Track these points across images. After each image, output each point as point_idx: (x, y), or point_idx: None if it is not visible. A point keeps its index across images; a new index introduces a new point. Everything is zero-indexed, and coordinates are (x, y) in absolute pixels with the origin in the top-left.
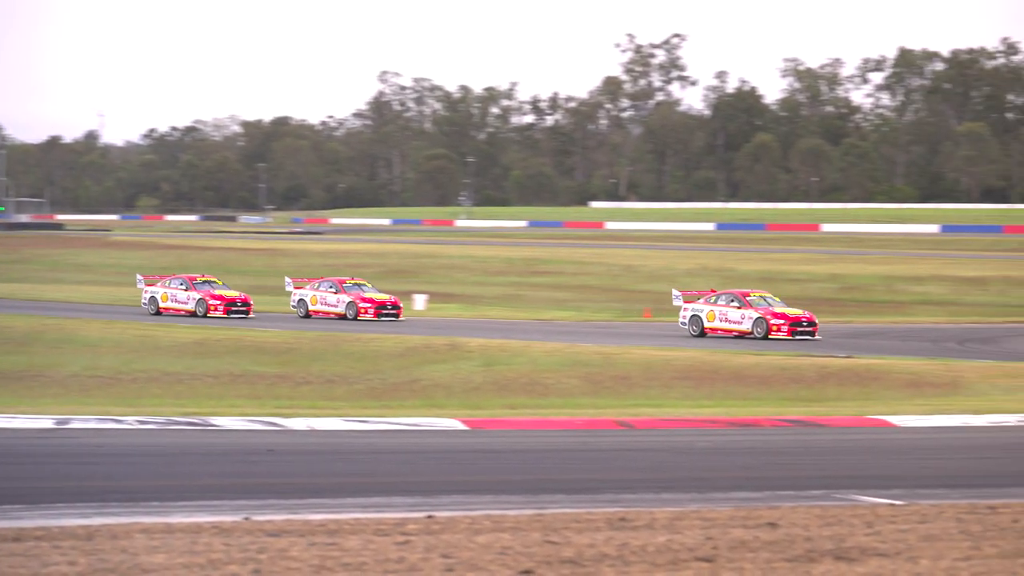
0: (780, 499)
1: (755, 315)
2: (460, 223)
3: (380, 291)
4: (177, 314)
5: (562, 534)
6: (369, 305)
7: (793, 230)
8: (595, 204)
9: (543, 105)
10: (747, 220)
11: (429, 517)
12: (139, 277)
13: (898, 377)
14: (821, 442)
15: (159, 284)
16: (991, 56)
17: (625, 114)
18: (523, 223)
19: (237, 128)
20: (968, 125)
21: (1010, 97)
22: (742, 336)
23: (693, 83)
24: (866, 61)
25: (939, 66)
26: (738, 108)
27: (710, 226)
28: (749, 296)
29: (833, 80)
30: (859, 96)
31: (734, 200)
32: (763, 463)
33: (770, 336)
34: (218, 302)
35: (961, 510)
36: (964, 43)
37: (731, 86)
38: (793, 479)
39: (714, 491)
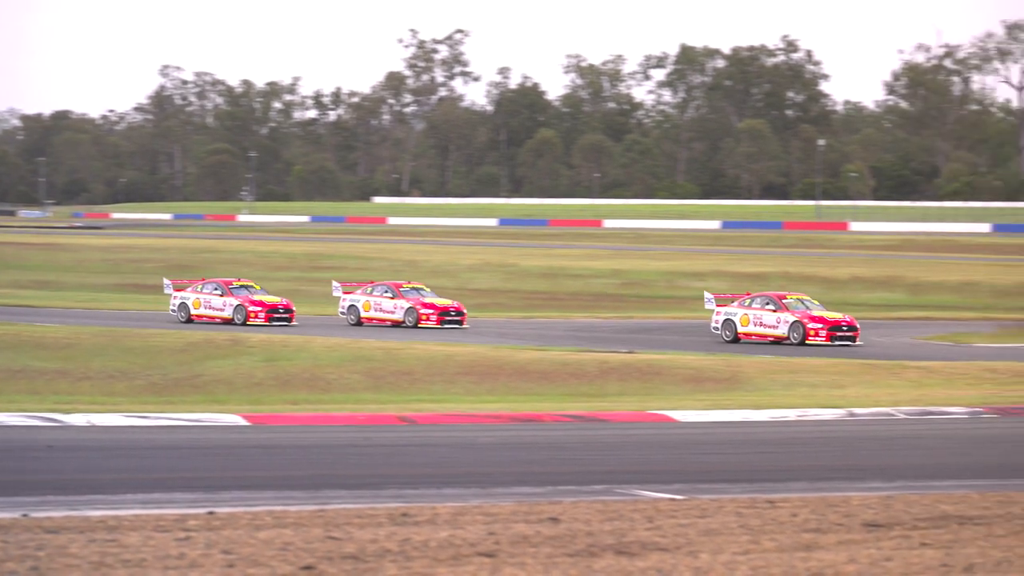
0: (562, 494)
1: (791, 319)
2: (242, 218)
3: (439, 296)
4: (212, 322)
5: (344, 530)
6: (432, 312)
7: (575, 226)
8: (378, 199)
9: (326, 100)
10: (530, 216)
11: (210, 513)
12: (166, 282)
13: (679, 372)
14: (603, 437)
15: (189, 289)
16: (771, 54)
17: (408, 109)
18: (305, 218)
19: (16, 122)
20: (748, 122)
21: (790, 94)
22: (778, 342)
23: (476, 79)
24: (648, 58)
25: (720, 63)
26: (521, 104)
27: (493, 221)
28: (786, 298)
29: (615, 77)
30: (641, 93)
31: (517, 196)
32: (545, 458)
33: (807, 341)
34: (259, 308)
35: (741, 504)
36: (745, 41)
37: (514, 82)
38: (575, 474)
39: (496, 486)
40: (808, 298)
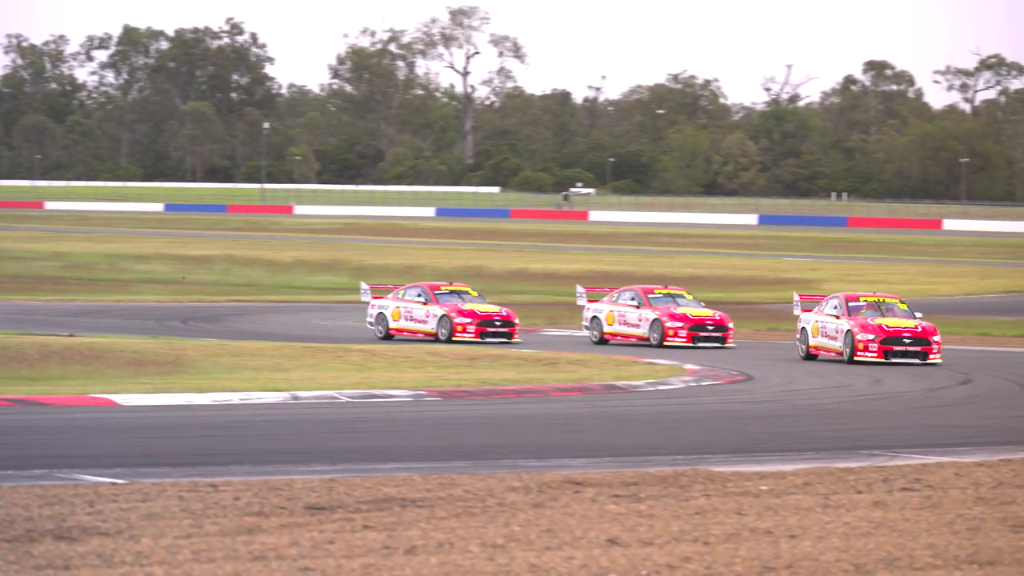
0: (0, 479)
1: (846, 327)
2: None
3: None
4: (414, 337)
5: None
6: (682, 325)
7: (16, 207)
8: None
9: None
10: None
11: None
12: (364, 287)
13: (121, 355)
14: (43, 421)
15: (391, 296)
16: (216, 36)
17: None
18: None
19: None
20: (193, 104)
21: (235, 77)
22: (841, 359)
23: None
24: (91, 39)
25: (164, 45)
26: None
27: None
28: (857, 300)
29: (57, 57)
30: (84, 74)
31: None
32: None
33: (856, 358)
34: (468, 320)
35: (183, 488)
36: (189, 23)
37: None
38: (14, 459)
39: None
40: (894, 299)
